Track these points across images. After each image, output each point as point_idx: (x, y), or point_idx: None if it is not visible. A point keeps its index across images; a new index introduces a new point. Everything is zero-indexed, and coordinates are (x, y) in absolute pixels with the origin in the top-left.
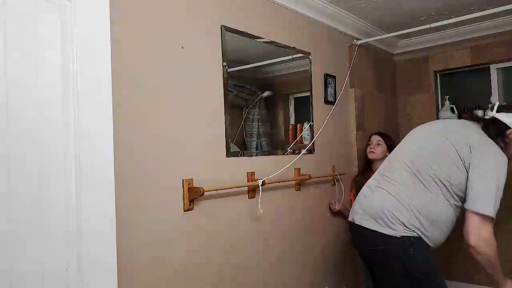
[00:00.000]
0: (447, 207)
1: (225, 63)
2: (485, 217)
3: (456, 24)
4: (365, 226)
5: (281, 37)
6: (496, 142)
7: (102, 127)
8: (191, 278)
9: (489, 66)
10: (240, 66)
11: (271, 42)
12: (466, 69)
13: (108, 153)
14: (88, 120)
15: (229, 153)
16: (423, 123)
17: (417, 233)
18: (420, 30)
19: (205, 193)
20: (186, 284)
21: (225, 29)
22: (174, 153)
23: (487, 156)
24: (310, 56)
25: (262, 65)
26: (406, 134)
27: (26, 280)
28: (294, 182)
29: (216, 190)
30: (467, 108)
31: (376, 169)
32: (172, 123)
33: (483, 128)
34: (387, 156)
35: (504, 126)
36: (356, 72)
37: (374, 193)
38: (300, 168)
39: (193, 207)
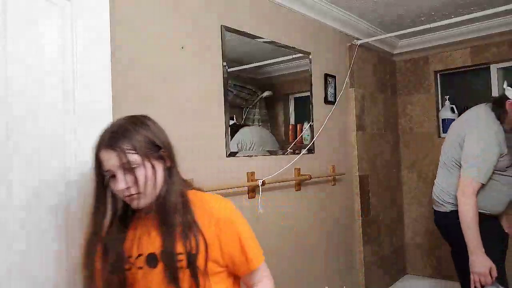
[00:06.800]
0: None
1: (225, 63)
2: (470, 180)
3: (456, 24)
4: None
5: (281, 37)
6: (501, 113)
7: (103, 127)
8: None
9: (489, 66)
10: (240, 66)
11: (271, 42)
12: (466, 69)
13: None
14: (88, 120)
15: (229, 153)
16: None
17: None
18: (420, 30)
19: None
20: None
21: (225, 29)
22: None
23: (472, 133)
24: (310, 56)
25: (262, 65)
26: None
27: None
28: (294, 182)
29: (216, 190)
30: (467, 108)
31: None
32: (172, 123)
33: (493, 105)
34: None
35: (506, 98)
36: (356, 72)
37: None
38: (300, 168)
39: None
